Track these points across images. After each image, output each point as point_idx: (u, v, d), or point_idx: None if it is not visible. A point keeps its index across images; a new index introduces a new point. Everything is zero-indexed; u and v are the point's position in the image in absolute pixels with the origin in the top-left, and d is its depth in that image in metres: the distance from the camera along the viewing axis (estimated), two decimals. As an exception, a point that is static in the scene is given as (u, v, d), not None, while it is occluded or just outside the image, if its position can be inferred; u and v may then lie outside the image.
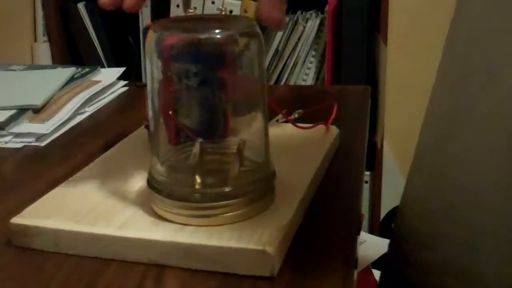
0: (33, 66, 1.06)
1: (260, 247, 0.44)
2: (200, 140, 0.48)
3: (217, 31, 0.48)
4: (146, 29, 0.54)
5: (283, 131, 0.68)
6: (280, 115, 0.73)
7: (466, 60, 0.55)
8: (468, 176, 0.55)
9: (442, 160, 0.58)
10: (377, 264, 1.27)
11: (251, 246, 0.45)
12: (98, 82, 0.93)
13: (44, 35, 1.63)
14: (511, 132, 0.51)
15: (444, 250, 0.58)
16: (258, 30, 0.49)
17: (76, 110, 0.84)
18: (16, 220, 0.50)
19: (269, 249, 0.44)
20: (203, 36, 0.48)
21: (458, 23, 0.58)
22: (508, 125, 0.51)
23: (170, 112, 0.51)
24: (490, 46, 0.52)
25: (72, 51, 1.69)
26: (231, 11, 1.51)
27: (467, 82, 0.55)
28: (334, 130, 0.68)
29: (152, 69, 0.50)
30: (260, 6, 0.47)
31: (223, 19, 0.52)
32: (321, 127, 0.67)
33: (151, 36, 0.49)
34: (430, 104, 0.62)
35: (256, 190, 0.49)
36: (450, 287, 0.58)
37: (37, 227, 0.49)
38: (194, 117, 0.52)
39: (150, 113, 0.51)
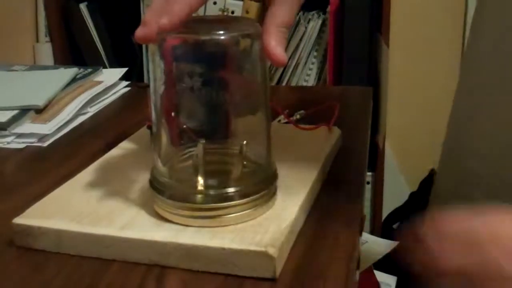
0: (35, 67, 1.06)
1: (262, 249, 0.44)
2: (202, 141, 0.48)
3: (220, 32, 0.48)
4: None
5: (285, 132, 0.68)
6: (282, 116, 0.73)
7: (479, 71, 0.61)
8: (484, 168, 0.57)
9: (461, 156, 0.61)
10: (378, 264, 1.27)
11: (253, 247, 0.45)
12: (100, 82, 0.93)
13: (46, 36, 1.63)
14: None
15: None
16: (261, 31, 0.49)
17: (78, 111, 0.84)
18: (18, 220, 0.50)
19: (271, 251, 0.44)
20: (206, 37, 0.48)
21: (476, 36, 0.63)
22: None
23: (173, 113, 0.51)
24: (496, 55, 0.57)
25: (74, 51, 1.69)
26: (232, 12, 1.51)
27: (484, 89, 0.59)
28: (336, 131, 0.68)
29: (155, 70, 0.50)
30: (265, 44, 0.47)
31: (226, 20, 0.52)
32: (323, 128, 0.67)
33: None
34: (452, 107, 0.66)
35: (258, 191, 0.49)
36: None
37: (39, 228, 0.49)
38: (196, 118, 0.52)
39: (153, 114, 0.51)
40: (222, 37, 0.48)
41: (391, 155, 1.84)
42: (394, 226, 1.02)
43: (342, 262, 0.47)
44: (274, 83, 1.55)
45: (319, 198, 0.57)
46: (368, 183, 1.66)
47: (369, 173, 1.64)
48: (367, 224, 1.70)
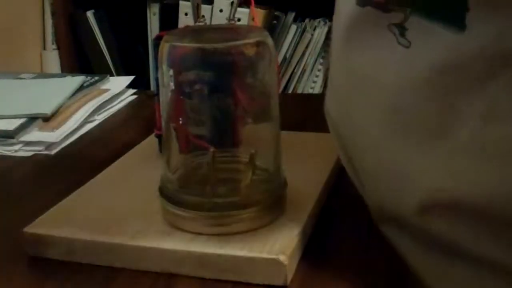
0: (43, 75, 1.06)
1: (273, 256, 0.44)
2: (213, 149, 0.48)
3: (229, 41, 0.48)
4: (158, 39, 0.54)
5: (293, 139, 0.68)
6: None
7: None
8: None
9: None
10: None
11: (264, 255, 0.45)
12: (107, 90, 0.93)
13: (53, 43, 1.64)
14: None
15: None
16: (270, 40, 0.49)
17: (85, 119, 0.84)
18: (30, 229, 0.50)
19: (282, 258, 0.44)
20: (215, 46, 0.48)
21: None
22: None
23: (181, 121, 0.52)
24: None
25: (81, 59, 1.70)
26: (239, 19, 1.52)
27: None
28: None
29: (164, 79, 0.50)
30: None
31: (235, 29, 0.52)
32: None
33: (164, 46, 0.49)
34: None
35: (268, 199, 0.49)
36: None
37: (51, 236, 0.49)
38: (205, 126, 0.52)
39: (162, 122, 0.51)
40: (232, 46, 0.48)
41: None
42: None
43: (350, 270, 0.47)
44: (280, 90, 1.55)
45: (326, 205, 0.57)
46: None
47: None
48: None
